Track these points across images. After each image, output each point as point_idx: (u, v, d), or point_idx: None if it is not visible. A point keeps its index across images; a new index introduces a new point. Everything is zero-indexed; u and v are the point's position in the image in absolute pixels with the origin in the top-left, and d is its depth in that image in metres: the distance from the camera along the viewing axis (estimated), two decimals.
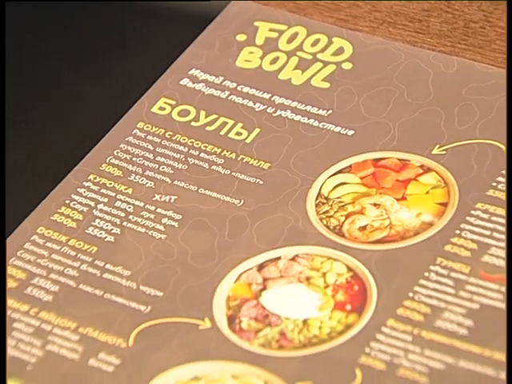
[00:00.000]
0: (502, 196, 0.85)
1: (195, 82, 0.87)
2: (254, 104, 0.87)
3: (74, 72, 2.02)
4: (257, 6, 0.91)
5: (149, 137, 0.89)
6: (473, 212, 0.85)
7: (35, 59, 2.32)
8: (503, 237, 0.83)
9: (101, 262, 0.85)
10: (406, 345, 0.80)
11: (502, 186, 0.85)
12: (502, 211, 0.85)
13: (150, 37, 1.66)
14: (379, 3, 0.93)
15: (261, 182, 0.86)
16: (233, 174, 0.85)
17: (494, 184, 0.83)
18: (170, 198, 0.85)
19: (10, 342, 0.84)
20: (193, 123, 0.87)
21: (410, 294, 0.82)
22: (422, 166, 0.87)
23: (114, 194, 0.87)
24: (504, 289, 0.82)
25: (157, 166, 0.87)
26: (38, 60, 2.26)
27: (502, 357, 0.80)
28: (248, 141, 0.87)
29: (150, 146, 0.88)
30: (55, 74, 2.21)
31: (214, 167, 0.87)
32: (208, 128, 0.87)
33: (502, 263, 0.84)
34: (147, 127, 0.89)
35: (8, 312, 0.85)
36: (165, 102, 0.89)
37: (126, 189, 0.86)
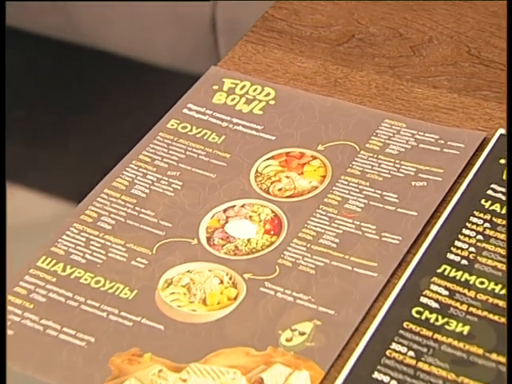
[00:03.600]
0: (355, 172, 0.84)
1: (191, 111, 0.84)
2: (222, 122, 0.85)
3: (128, 104, 1.90)
4: (224, 70, 0.87)
5: (165, 140, 0.89)
6: (339, 181, 0.84)
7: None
8: (356, 194, 0.79)
9: (138, 207, 0.84)
10: (302, 252, 0.79)
11: (356, 166, 0.82)
12: (355, 180, 0.85)
13: (166, 89, 1.58)
14: (289, 68, 0.88)
15: (225, 165, 0.85)
16: (210, 160, 0.83)
17: (351, 165, 0.79)
18: (176, 173, 0.82)
19: (88, 252, 0.81)
20: (189, 133, 0.86)
21: (305, 225, 0.79)
22: (312, 156, 0.85)
23: (145, 171, 0.86)
24: (357, 222, 0.77)
25: (169, 155, 0.85)
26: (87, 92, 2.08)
27: (355, 259, 0.78)
28: (219, 142, 0.85)
29: (166, 146, 0.88)
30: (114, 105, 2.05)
31: (200, 156, 0.85)
32: (197, 135, 0.87)
33: (355, 208, 0.82)
34: (164, 135, 0.88)
35: (87, 235, 0.83)
36: (174, 122, 0.87)
37: (152, 168, 0.84)
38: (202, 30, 1.63)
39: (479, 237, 0.78)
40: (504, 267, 0.76)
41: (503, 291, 0.74)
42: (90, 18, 1.77)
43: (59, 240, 0.81)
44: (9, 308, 0.76)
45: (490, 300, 0.74)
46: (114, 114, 1.90)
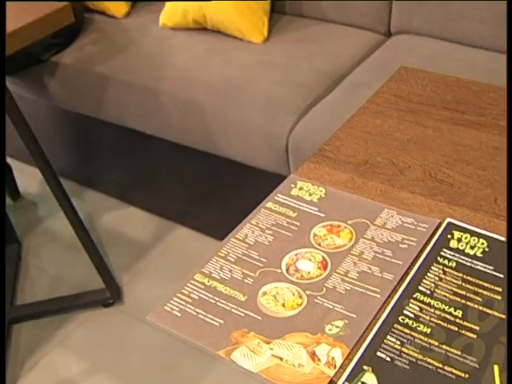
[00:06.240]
0: (368, 237, 0.82)
1: (279, 198, 0.83)
2: (296, 205, 0.83)
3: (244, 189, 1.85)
4: (297, 176, 0.85)
5: (265, 213, 0.85)
6: (359, 242, 0.80)
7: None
8: (369, 250, 0.78)
9: (249, 249, 0.81)
10: (338, 281, 0.76)
11: (368, 234, 0.84)
12: (368, 241, 0.80)
13: (261, 181, 1.54)
14: (333, 178, 0.89)
15: (296, 229, 0.82)
16: (289, 226, 0.84)
17: (365, 233, 0.83)
18: (270, 232, 0.83)
19: (221, 272, 0.77)
20: (278, 210, 0.86)
21: (340, 265, 0.78)
22: (344, 226, 0.83)
23: (253, 229, 0.83)
24: (369, 265, 0.73)
25: (267, 221, 0.84)
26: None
27: (368, 286, 0.74)
28: (294, 216, 0.84)
29: (265, 216, 0.85)
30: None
31: (283, 223, 0.84)
32: (282, 211, 0.86)
33: (368, 257, 0.78)
34: (264, 211, 0.85)
35: (221, 263, 0.78)
36: (270, 203, 0.87)
37: (257, 228, 0.84)
38: (280, 152, 1.62)
39: (436, 278, 0.75)
40: (451, 296, 0.72)
41: (450, 310, 0.72)
42: (217, 138, 1.76)
43: (206, 265, 0.79)
44: (177, 300, 0.75)
45: (442, 314, 0.71)
46: (234, 195, 1.89)
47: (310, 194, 0.87)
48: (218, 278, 0.77)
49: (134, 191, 2.16)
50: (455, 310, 0.71)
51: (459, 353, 0.67)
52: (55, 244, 2.07)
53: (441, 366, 0.65)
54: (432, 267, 0.76)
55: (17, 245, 2.05)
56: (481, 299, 0.72)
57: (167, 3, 2.03)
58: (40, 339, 1.76)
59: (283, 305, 0.73)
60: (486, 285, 0.74)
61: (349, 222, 0.83)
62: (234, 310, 0.73)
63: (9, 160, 2.27)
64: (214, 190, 1.91)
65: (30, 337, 1.77)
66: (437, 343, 0.68)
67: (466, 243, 0.79)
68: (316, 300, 0.73)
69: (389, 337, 0.69)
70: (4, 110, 1.50)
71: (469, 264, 0.76)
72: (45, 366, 1.69)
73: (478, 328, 0.69)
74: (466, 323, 0.70)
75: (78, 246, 1.84)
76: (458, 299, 0.72)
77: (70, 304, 1.84)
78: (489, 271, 0.75)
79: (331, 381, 0.65)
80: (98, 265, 1.84)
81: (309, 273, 0.77)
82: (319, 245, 0.80)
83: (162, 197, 2.08)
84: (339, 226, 0.82)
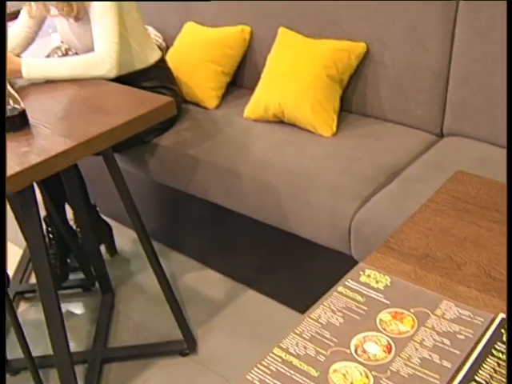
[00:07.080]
0: (429, 325, 0.79)
1: (349, 283, 0.81)
2: (364, 291, 0.80)
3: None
4: (365, 265, 0.86)
5: (337, 296, 0.83)
6: (421, 329, 0.77)
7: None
8: (429, 337, 0.74)
9: (322, 328, 0.78)
10: (402, 365, 0.73)
11: (429, 322, 0.80)
12: (429, 330, 0.78)
13: (323, 259, 1.53)
14: (397, 268, 0.86)
15: (364, 313, 0.80)
16: (358, 310, 0.81)
17: (427, 322, 0.77)
18: (341, 314, 0.80)
19: (297, 348, 0.75)
20: (347, 294, 0.84)
21: (403, 350, 0.76)
22: (407, 314, 0.80)
23: (326, 311, 0.81)
24: (429, 352, 0.70)
25: (338, 304, 0.82)
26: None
27: (428, 372, 0.70)
28: (362, 301, 0.83)
29: (336, 299, 0.83)
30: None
31: (353, 308, 0.81)
32: (352, 297, 0.84)
33: (429, 345, 0.74)
34: (336, 294, 0.83)
35: (297, 339, 0.76)
36: (341, 288, 0.85)
37: (329, 310, 0.83)
38: (343, 233, 1.62)
39: (491, 370, 0.72)
40: None
41: None
42: (289, 217, 1.75)
43: (284, 340, 0.78)
44: (258, 371, 0.74)
45: None
46: (299, 267, 1.87)
47: (377, 282, 0.86)
48: (294, 353, 0.75)
49: (212, 256, 2.18)
50: None
51: None
52: (142, 296, 2.09)
53: None
54: (487, 359, 0.73)
55: (111, 294, 2.09)
56: None
57: (252, 99, 2.10)
58: (126, 379, 1.76)
59: (351, 383, 0.71)
60: None
61: (411, 310, 0.81)
62: None
63: (110, 221, 2.33)
64: (282, 261, 1.91)
65: (118, 376, 1.78)
66: None
67: None
68: (381, 381, 0.71)
69: None
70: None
71: None
72: None
73: None
74: None
75: (162, 300, 1.85)
76: None
77: (152, 351, 1.85)
78: None
79: None
80: (177, 318, 1.85)
81: (375, 355, 0.75)
82: (384, 329, 0.78)
83: (236, 262, 2.09)
84: (403, 313, 0.80)
